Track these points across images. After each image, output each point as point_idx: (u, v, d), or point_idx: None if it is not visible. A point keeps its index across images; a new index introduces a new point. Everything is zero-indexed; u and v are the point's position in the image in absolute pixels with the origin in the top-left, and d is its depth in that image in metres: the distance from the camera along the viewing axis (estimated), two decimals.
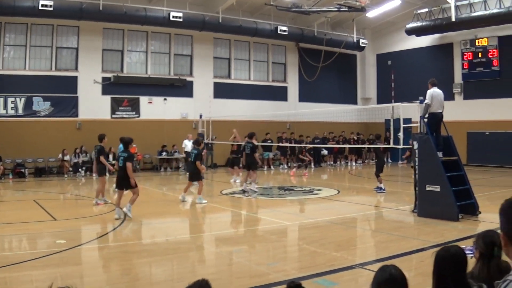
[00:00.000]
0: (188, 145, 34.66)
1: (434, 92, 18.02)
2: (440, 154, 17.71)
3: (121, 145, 20.38)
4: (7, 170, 32.86)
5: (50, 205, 20.85)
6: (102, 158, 22.11)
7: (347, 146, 42.33)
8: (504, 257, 5.09)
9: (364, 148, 43.67)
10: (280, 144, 39.40)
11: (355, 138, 43.89)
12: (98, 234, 15.56)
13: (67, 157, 34.05)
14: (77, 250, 12.93)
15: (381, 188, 24.59)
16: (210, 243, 14.74)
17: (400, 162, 41.12)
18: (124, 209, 17.23)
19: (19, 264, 11.16)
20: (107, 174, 23.59)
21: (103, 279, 10.66)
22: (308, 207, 21.21)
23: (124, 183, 17.92)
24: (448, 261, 4.73)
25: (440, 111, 18.16)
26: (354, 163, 43.36)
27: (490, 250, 5.23)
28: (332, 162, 43.74)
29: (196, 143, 23.02)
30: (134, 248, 13.52)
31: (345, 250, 13.13)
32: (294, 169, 36.19)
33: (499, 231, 3.52)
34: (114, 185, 21.02)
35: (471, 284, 4.68)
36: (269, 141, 38.19)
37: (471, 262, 6.04)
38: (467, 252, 5.77)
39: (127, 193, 18.68)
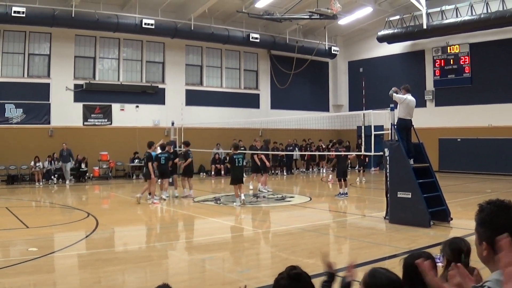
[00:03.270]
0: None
1: (408, 98, 18.22)
2: (411, 161, 17.87)
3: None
4: None
5: (23, 212, 20.78)
6: (150, 165, 23.84)
7: (316, 153, 42.35)
8: (472, 264, 5.23)
9: (331, 155, 43.88)
10: (250, 152, 39.33)
11: (323, 146, 43.78)
12: (70, 241, 15.53)
13: (39, 164, 33.90)
14: (49, 258, 12.91)
15: (340, 193, 24.79)
16: (182, 250, 14.80)
17: (372, 169, 41.34)
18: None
19: None
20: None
21: (75, 286, 10.68)
22: (280, 214, 21.30)
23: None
24: (416, 268, 4.80)
25: (409, 118, 18.32)
26: (325, 170, 43.47)
27: (457, 257, 5.28)
28: (304, 169, 43.89)
29: (148, 146, 24.40)
30: (106, 255, 13.50)
31: (317, 257, 13.16)
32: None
33: (468, 238, 3.63)
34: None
35: None
36: (242, 148, 38.19)
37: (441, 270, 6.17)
38: (436, 261, 5.88)
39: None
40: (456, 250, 5.35)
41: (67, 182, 33.72)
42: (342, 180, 25.03)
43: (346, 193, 24.98)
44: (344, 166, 25.58)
